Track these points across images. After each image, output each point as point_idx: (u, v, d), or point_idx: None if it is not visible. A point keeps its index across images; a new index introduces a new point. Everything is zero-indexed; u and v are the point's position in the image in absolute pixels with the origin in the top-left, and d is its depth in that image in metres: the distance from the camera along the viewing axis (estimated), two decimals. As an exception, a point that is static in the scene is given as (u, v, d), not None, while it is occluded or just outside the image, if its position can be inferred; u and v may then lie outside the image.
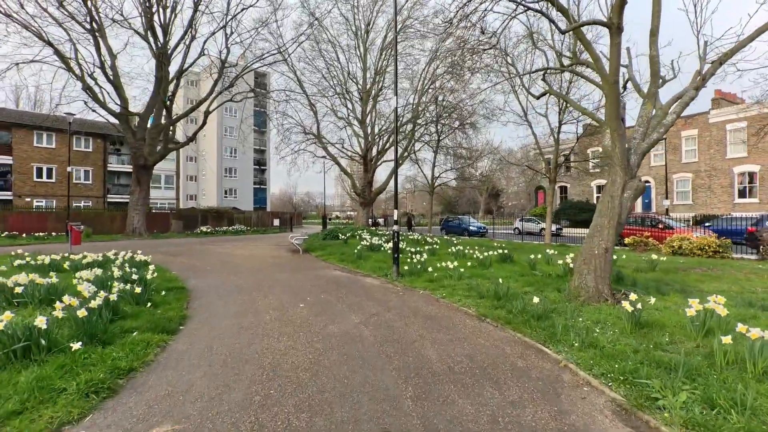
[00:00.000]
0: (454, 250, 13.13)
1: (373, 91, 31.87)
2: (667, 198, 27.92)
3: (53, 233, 23.64)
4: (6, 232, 22.35)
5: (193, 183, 61.25)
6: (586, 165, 29.38)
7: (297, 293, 7.81)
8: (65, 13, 19.94)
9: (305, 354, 4.41)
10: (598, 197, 38.02)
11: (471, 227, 30.78)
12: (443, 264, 9.64)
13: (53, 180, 32.63)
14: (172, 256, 14.63)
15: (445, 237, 24.08)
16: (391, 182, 40.18)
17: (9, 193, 31.05)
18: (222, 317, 6.06)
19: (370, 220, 38.81)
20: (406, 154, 33.81)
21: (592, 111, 15.60)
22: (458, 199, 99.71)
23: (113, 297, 5.24)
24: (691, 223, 21.57)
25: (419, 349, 4.55)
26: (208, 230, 30.99)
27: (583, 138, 21.77)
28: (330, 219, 58.57)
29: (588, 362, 3.94)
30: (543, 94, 10.90)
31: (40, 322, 3.86)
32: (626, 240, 16.13)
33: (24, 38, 20.08)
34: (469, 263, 10.78)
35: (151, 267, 8.04)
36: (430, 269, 9.34)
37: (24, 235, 22.65)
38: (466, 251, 12.82)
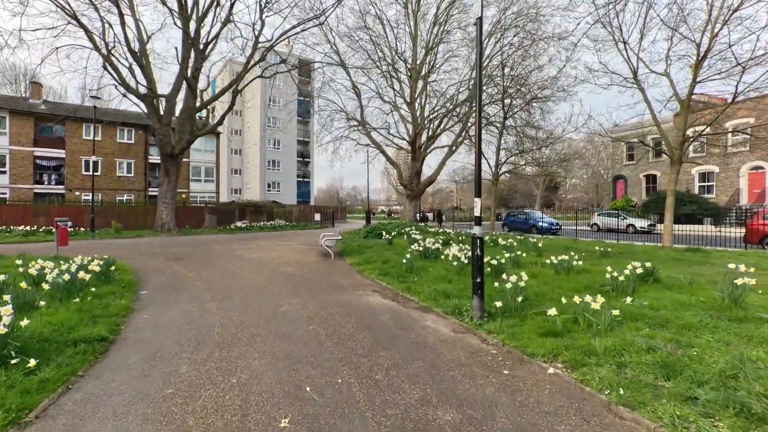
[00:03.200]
0: (552, 260, 8.79)
1: (424, 69, 27.73)
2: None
3: (81, 228, 22.04)
4: (44, 227, 21.07)
5: (238, 176, 60.54)
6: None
7: (297, 356, 4.06)
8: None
9: None
10: (702, 187, 31.25)
11: (541, 223, 25.73)
12: (553, 288, 5.49)
13: (99, 173, 31.86)
14: (173, 260, 11.61)
15: (516, 236, 19.56)
16: (442, 173, 35.70)
17: (62, 186, 30.62)
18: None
19: (418, 215, 34.80)
20: (460, 139, 29.63)
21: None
22: (512, 193, 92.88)
23: None
24: None
25: None
26: (244, 225, 28.60)
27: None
28: (374, 214, 55.16)
29: None
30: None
31: None
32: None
33: (52, 16, 18.24)
34: (585, 280, 6.48)
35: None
36: (530, 300, 5.22)
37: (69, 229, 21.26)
38: (567, 259, 8.49)
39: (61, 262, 7.95)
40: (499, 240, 14.72)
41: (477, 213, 5.50)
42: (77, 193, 30.24)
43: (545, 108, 23.64)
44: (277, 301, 6.59)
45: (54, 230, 11.09)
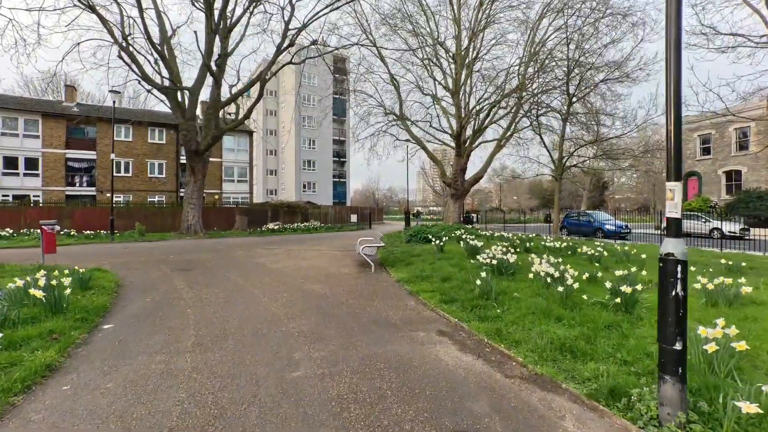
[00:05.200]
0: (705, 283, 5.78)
1: (470, 55, 24.80)
2: None
3: (102, 231, 20.89)
4: (65, 230, 20.07)
5: (273, 177, 59.70)
6: None
7: None
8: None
9: None
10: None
11: (608, 226, 22.04)
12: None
13: (130, 174, 31.27)
14: (179, 271, 9.49)
15: (593, 241, 16.29)
16: (490, 169, 32.34)
17: (93, 188, 30.27)
18: None
19: (462, 215, 31.71)
20: (509, 133, 26.52)
21: None
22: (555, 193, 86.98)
23: None
24: None
25: None
26: (276, 227, 26.76)
27: None
28: (414, 215, 52.35)
29: None
30: None
31: None
32: None
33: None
34: None
35: None
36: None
37: (87, 232, 20.20)
38: (730, 284, 5.50)
39: (26, 278, 5.88)
40: (582, 247, 11.61)
41: (673, 212, 2.75)
42: (108, 195, 29.63)
43: (618, 90, 20.07)
44: (290, 354, 4.09)
45: (55, 235, 9.30)
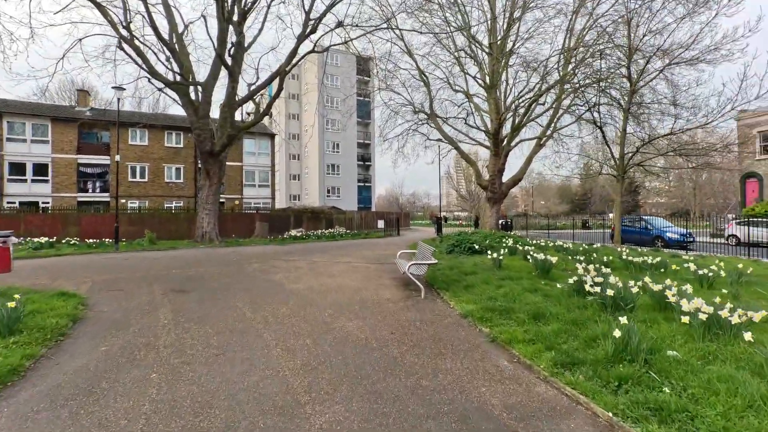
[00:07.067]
0: None
1: (508, 45, 22.31)
2: None
3: (108, 239, 19.31)
4: (69, 238, 18.59)
5: (297, 182, 58.28)
6: None
7: None
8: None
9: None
10: None
11: (668, 234, 18.79)
12: None
13: (146, 179, 30.08)
14: (173, 293, 7.38)
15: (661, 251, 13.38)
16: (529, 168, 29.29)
17: (107, 194, 29.16)
18: None
19: (501, 221, 28.91)
20: (549, 131, 23.92)
21: None
22: (588, 197, 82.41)
23: None
24: None
25: None
26: (299, 234, 24.74)
27: None
28: (446, 220, 49.52)
29: None
30: None
31: None
32: None
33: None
34: None
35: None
36: None
37: (90, 240, 18.67)
38: None
39: None
40: (675, 263, 8.85)
41: None
42: (123, 201, 28.40)
43: (691, 74, 17.04)
44: None
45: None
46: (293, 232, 25.14)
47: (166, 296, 7.23)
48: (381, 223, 32.63)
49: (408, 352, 4.30)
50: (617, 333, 3.76)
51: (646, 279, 5.63)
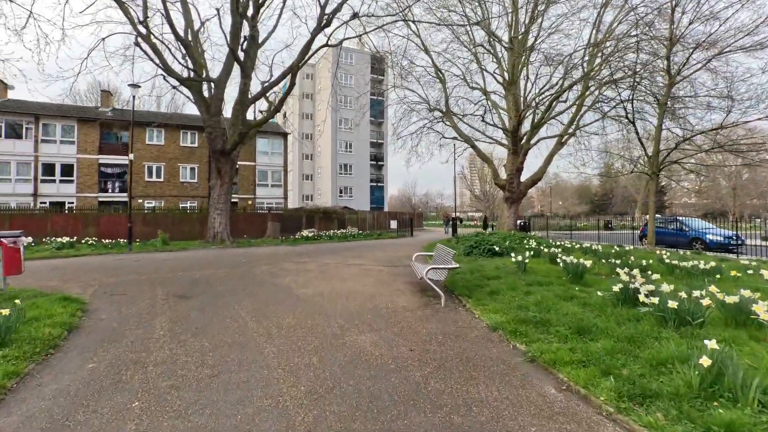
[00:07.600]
0: None
1: (529, 40, 21.48)
2: None
3: (122, 239, 19.15)
4: (88, 238, 18.50)
5: (309, 182, 58.03)
6: None
7: None
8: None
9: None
10: None
11: (709, 236, 17.61)
12: None
13: (161, 179, 30.07)
14: (176, 298, 6.89)
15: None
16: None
17: (125, 194, 29.24)
18: None
19: (519, 222, 27.92)
20: (571, 129, 23.06)
21: None
22: (609, 197, 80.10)
23: None
24: None
25: None
26: (311, 235, 24.29)
27: None
28: (461, 221, 48.52)
29: None
30: None
31: None
32: None
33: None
34: None
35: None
36: None
37: (106, 240, 18.56)
38: None
39: None
40: (728, 267, 7.93)
41: None
42: (140, 201, 28.40)
43: (746, 63, 15.86)
44: None
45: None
46: (305, 233, 24.70)
47: (167, 302, 6.74)
48: (394, 224, 32.00)
49: (432, 376, 3.65)
50: (706, 361, 3.00)
51: (713, 288, 4.83)
